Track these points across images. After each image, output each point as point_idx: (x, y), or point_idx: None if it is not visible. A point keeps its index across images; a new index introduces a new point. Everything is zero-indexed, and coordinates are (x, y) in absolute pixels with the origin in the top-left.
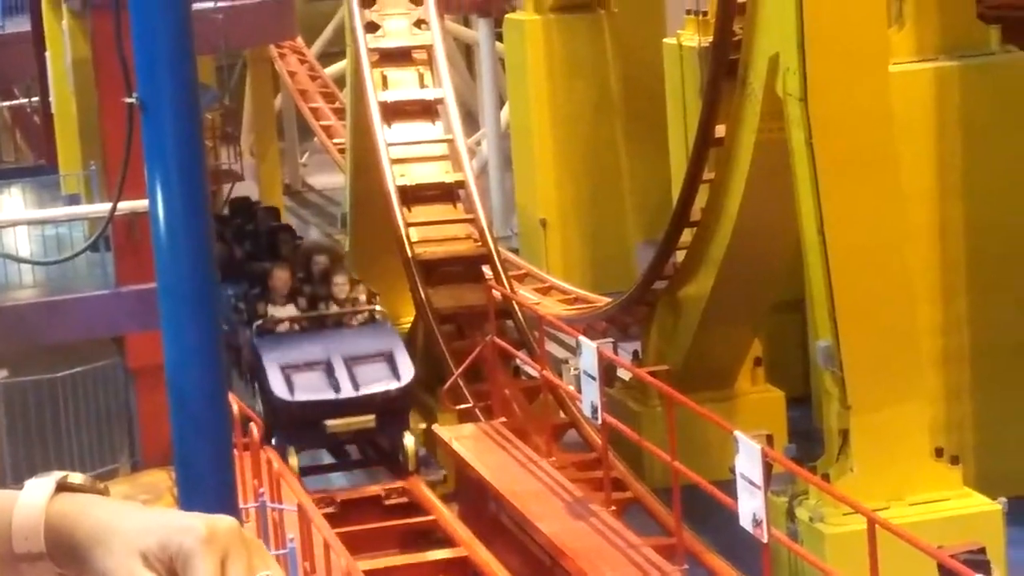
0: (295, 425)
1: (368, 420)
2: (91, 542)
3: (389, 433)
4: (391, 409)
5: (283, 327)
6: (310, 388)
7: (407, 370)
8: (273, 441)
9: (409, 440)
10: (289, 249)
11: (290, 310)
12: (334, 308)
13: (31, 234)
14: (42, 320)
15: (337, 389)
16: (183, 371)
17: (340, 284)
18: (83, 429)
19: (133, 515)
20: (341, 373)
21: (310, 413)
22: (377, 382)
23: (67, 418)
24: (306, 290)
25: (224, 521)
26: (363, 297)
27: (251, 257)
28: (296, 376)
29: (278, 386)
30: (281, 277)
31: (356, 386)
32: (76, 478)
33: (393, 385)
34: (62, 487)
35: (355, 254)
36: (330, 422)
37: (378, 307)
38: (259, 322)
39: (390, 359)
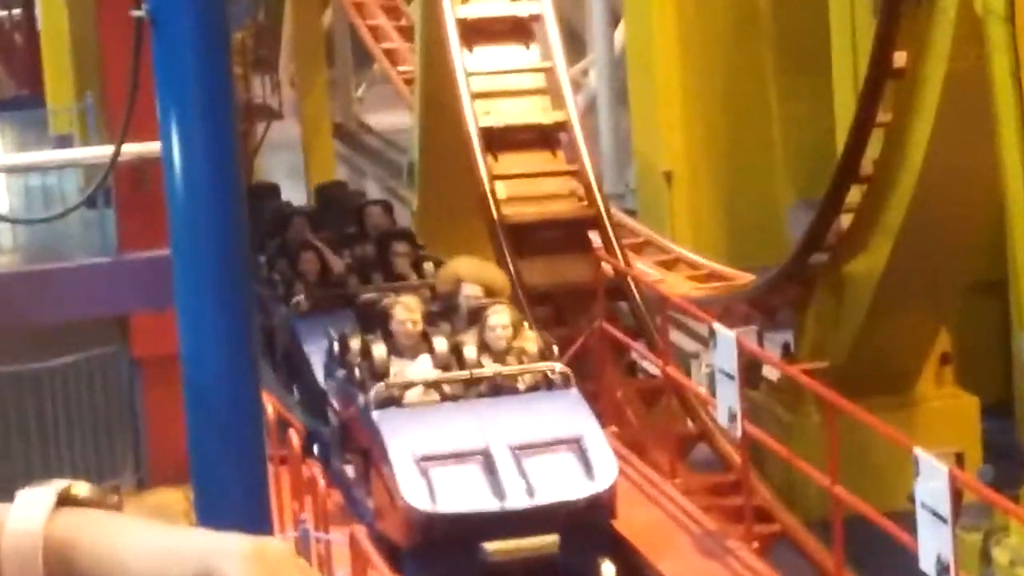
0: (437, 547)
1: (549, 542)
2: (105, 573)
3: (578, 562)
4: (582, 526)
5: (415, 395)
6: (461, 494)
7: (607, 466)
8: (316, 451)
9: (609, 572)
10: (406, 264)
11: (423, 365)
12: (489, 364)
13: (11, 185)
14: (24, 295)
15: (502, 495)
16: (203, 362)
17: (501, 328)
18: (75, 435)
19: (158, 537)
20: (507, 470)
21: (461, 531)
22: (562, 485)
23: (55, 420)
24: (443, 329)
25: (272, 544)
26: (534, 347)
27: (360, 277)
28: (438, 473)
29: (413, 489)
30: (409, 312)
31: (531, 491)
32: (81, 488)
33: (586, 490)
34: (64, 500)
35: (424, 216)
36: (491, 545)
37: (558, 365)
38: (379, 386)
39: (580, 448)
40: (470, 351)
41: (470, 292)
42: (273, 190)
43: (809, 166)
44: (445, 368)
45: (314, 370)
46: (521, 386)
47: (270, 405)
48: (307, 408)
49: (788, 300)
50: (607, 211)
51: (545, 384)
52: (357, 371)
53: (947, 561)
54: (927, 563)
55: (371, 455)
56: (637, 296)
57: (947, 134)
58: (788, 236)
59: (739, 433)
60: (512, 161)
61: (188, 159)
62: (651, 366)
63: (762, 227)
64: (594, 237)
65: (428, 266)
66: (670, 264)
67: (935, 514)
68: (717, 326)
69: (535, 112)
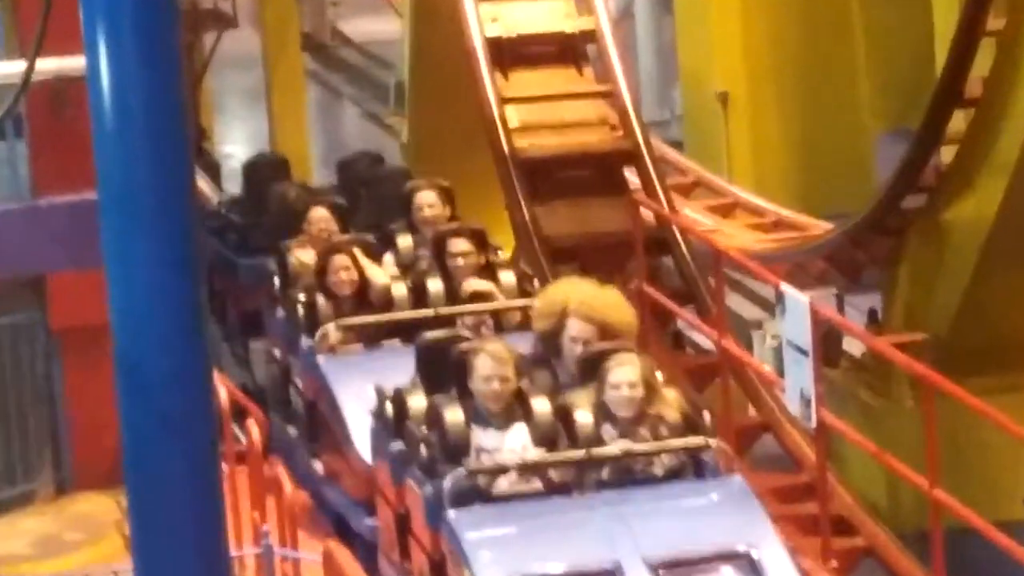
0: None
1: None
2: None
3: None
4: None
5: (508, 484)
6: None
7: None
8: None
9: None
10: (473, 274)
11: (518, 439)
12: (614, 438)
13: None
14: None
15: None
16: (139, 335)
17: (628, 386)
18: None
19: None
20: None
21: None
22: None
23: None
24: (543, 385)
25: None
26: (676, 414)
27: (414, 296)
28: None
29: None
30: (499, 365)
31: None
32: None
33: None
34: None
35: (416, 149)
36: None
37: (714, 440)
38: (457, 472)
39: (751, 567)
40: (584, 418)
41: (579, 332)
42: (280, 168)
43: (902, 87)
44: (550, 445)
45: (351, 436)
46: (660, 470)
47: (224, 389)
48: (342, 493)
49: (875, 255)
50: (647, 143)
51: (694, 468)
52: (423, 448)
53: None
54: None
55: (444, 572)
56: (684, 250)
57: None
58: (876, 175)
59: (813, 423)
60: (527, 80)
61: (119, 78)
62: (703, 338)
63: (843, 163)
64: (631, 176)
65: (506, 277)
66: (726, 210)
67: None
68: (786, 288)
69: (556, 18)
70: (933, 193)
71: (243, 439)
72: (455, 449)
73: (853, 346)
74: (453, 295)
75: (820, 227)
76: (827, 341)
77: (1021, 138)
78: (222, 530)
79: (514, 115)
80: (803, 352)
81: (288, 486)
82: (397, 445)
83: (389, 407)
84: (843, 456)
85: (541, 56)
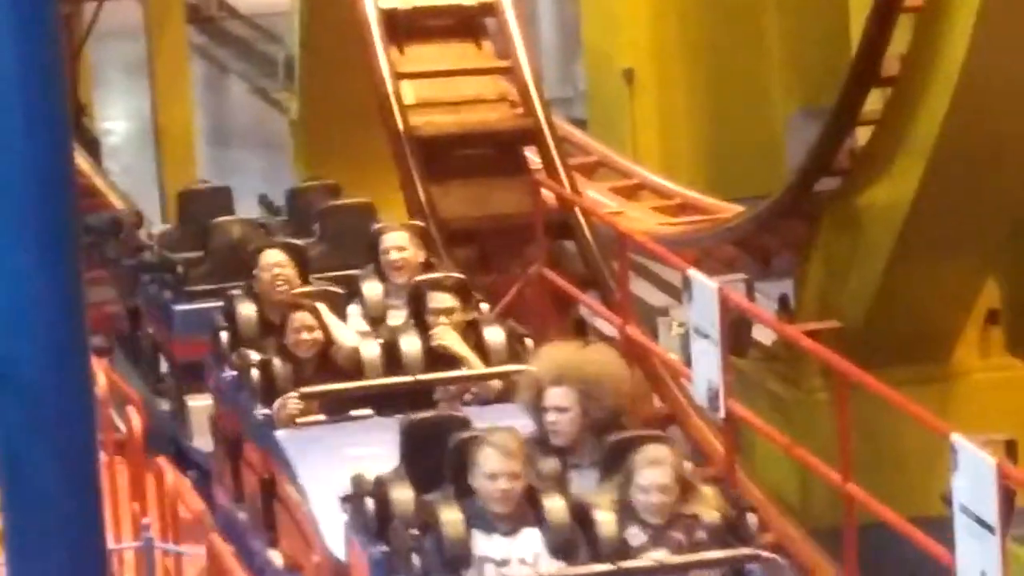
0: None
1: None
2: None
3: None
4: None
5: None
6: None
7: None
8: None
9: None
10: (455, 333)
11: (529, 546)
12: (643, 543)
13: None
14: None
15: None
16: (11, 324)
17: (658, 490)
18: None
19: None
20: None
21: None
22: None
23: None
24: (549, 479)
25: None
26: (714, 513)
27: (387, 358)
28: None
29: None
30: (508, 460)
31: None
32: None
33: None
34: None
35: (306, 126)
36: None
37: (766, 553)
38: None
39: None
40: (607, 522)
41: (555, 400)
42: (221, 199)
43: (815, 64)
44: (568, 553)
45: (319, 527)
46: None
47: (103, 375)
48: None
49: (786, 240)
50: (548, 121)
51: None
52: (415, 557)
53: None
54: None
55: None
56: (588, 234)
57: (999, 19)
58: (787, 156)
59: (721, 414)
60: (423, 54)
61: None
62: (606, 325)
63: (753, 144)
64: (531, 156)
65: (493, 335)
66: (631, 192)
67: (978, 520)
68: (693, 273)
69: None
70: (847, 176)
71: (123, 428)
72: (455, 560)
73: (763, 335)
74: (432, 356)
75: (729, 210)
76: (736, 329)
77: (940, 119)
78: (100, 524)
79: (409, 91)
80: (711, 340)
81: (170, 476)
82: (380, 549)
83: (369, 504)
84: (752, 449)
85: (438, 29)
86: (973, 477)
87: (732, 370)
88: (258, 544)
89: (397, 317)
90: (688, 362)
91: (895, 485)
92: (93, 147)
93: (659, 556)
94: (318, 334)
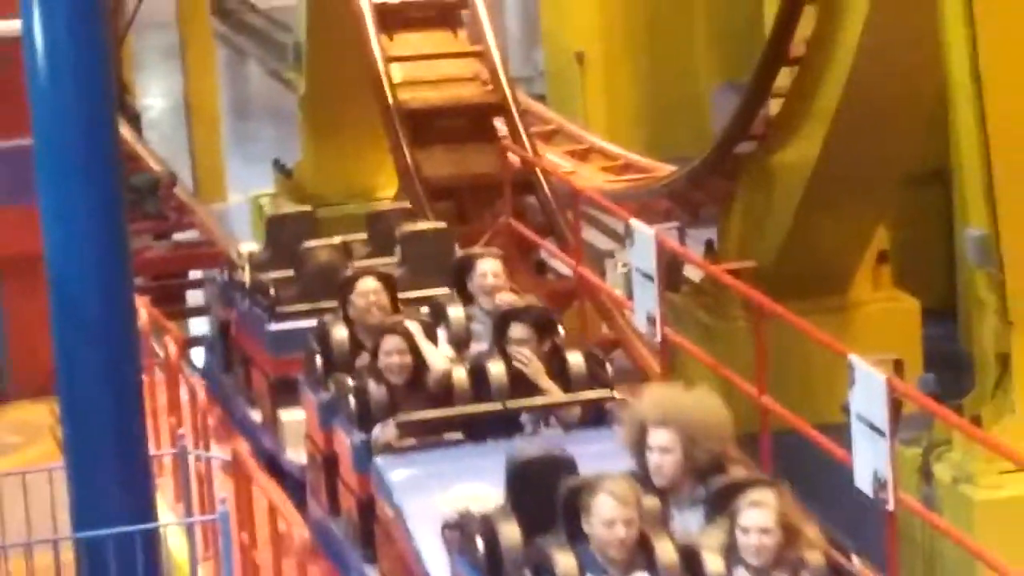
0: None
1: None
2: None
3: None
4: None
5: None
6: None
7: None
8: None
9: None
10: (533, 360)
11: None
12: None
13: None
14: None
15: None
16: (70, 263)
17: (759, 531)
18: None
19: None
20: None
21: None
22: None
23: None
24: (658, 521)
25: None
26: (820, 558)
27: (475, 382)
28: None
29: None
30: (624, 507)
31: None
32: None
33: None
34: None
35: (312, 101)
36: None
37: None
38: None
39: None
40: (715, 566)
41: (659, 442)
42: (307, 224)
43: (735, 46)
44: None
45: (422, 556)
46: None
47: (145, 310)
48: None
49: (712, 194)
50: (513, 96)
51: None
52: None
53: (884, 477)
54: (862, 480)
55: None
56: (546, 189)
57: (886, 9)
58: (712, 123)
59: (658, 339)
60: (409, 41)
61: (50, 37)
62: (562, 266)
63: (683, 113)
64: (499, 125)
65: (575, 361)
66: (583, 154)
67: (871, 427)
68: (634, 222)
69: None
70: (762, 140)
71: (161, 353)
72: None
73: (693, 273)
74: (516, 381)
75: (664, 169)
76: (670, 268)
77: (839, 93)
78: (143, 433)
79: (398, 72)
80: (649, 278)
81: (202, 395)
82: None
83: (479, 542)
84: (684, 368)
85: (421, 20)
86: (867, 390)
87: (667, 303)
88: (355, 559)
89: (481, 342)
90: (630, 296)
91: (803, 398)
92: (135, 120)
93: None
94: (409, 358)
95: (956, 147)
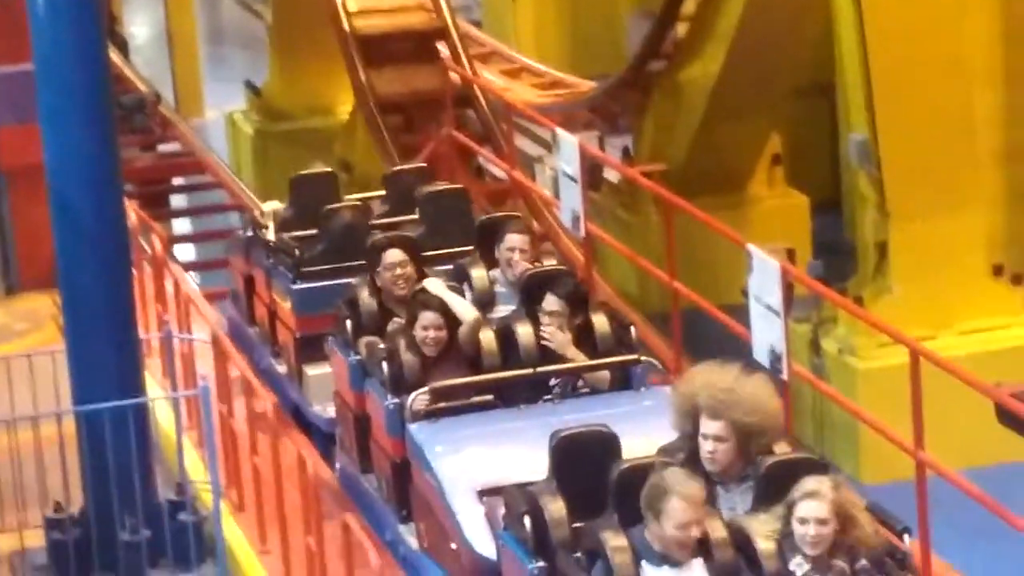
0: None
1: None
2: None
3: None
4: None
5: None
6: None
7: None
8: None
9: None
10: (562, 332)
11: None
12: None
13: None
14: None
15: None
16: (67, 173)
17: (821, 522)
18: None
19: None
20: None
21: None
22: None
23: None
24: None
25: None
26: (872, 540)
27: (504, 352)
28: None
29: None
30: (693, 508)
31: None
32: None
33: None
34: None
35: (279, 30)
36: None
37: None
38: None
39: None
40: (768, 552)
41: (711, 430)
42: (330, 185)
43: None
44: None
45: (459, 522)
46: None
47: (134, 213)
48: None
49: (627, 106)
50: (454, 22)
51: None
52: None
53: (779, 351)
54: (760, 353)
55: None
56: (484, 104)
57: None
58: (627, 45)
59: (582, 233)
60: None
61: None
62: (498, 170)
63: (602, 37)
64: (442, 48)
65: (600, 325)
66: (515, 73)
67: (767, 307)
68: (560, 131)
69: None
70: (671, 60)
71: (148, 249)
72: None
73: (611, 175)
74: (544, 346)
75: (586, 86)
76: (591, 171)
77: (736, 18)
78: (133, 319)
79: (352, 2)
80: (573, 180)
81: (184, 285)
82: (539, 565)
83: (527, 521)
84: (605, 258)
85: None
86: (763, 275)
87: (589, 201)
88: (390, 518)
89: (506, 305)
90: (557, 196)
91: (708, 282)
92: (123, 47)
93: None
94: (444, 333)
95: (840, 63)
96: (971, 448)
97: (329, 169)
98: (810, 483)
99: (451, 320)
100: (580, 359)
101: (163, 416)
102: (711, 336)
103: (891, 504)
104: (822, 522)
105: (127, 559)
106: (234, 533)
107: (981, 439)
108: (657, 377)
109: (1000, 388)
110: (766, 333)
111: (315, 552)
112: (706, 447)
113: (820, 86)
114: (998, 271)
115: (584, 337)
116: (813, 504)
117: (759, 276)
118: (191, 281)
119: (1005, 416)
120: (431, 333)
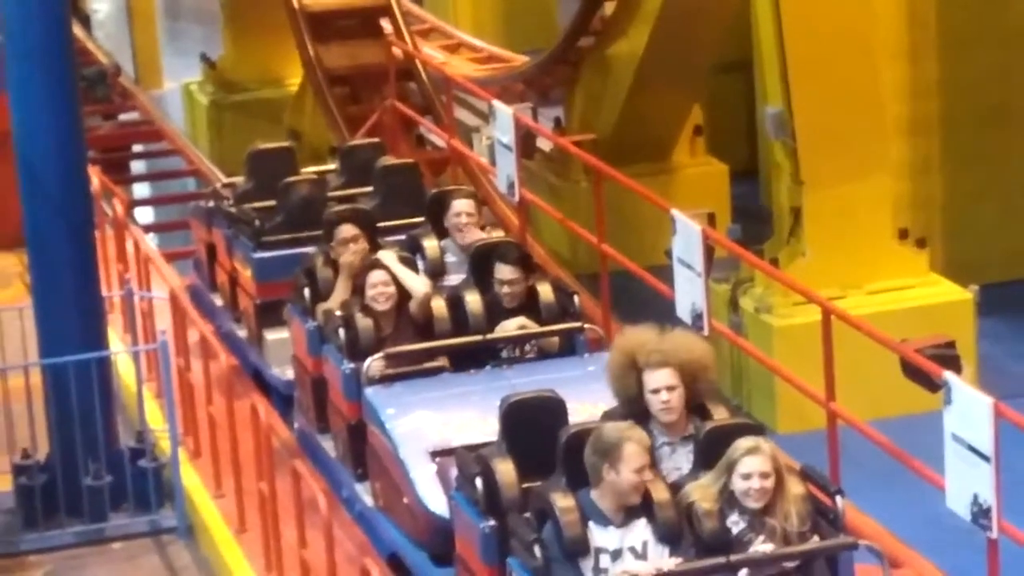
0: None
1: None
2: None
3: None
4: None
5: None
6: None
7: None
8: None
9: None
10: (515, 298)
11: (637, 535)
12: (743, 532)
13: None
14: None
15: None
16: (33, 140)
17: (763, 475)
18: None
19: None
20: None
21: None
22: None
23: None
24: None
25: None
26: (801, 505)
27: (454, 315)
28: None
29: None
30: (641, 456)
31: None
32: None
33: None
34: None
35: (233, 6)
36: None
37: (864, 542)
38: None
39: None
40: (709, 510)
41: (659, 381)
42: (288, 158)
43: None
44: (672, 543)
45: (413, 481)
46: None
47: (96, 178)
48: (398, 529)
49: (559, 80)
50: (397, 0)
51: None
52: (537, 549)
53: (700, 309)
54: (683, 311)
55: None
56: (424, 77)
57: None
58: (558, 22)
59: (517, 198)
60: None
61: None
62: (438, 139)
63: (535, 13)
64: (385, 24)
65: (545, 293)
66: (453, 48)
67: (690, 268)
68: (496, 103)
69: None
70: (599, 36)
71: (110, 212)
72: (574, 551)
73: (544, 144)
74: (492, 311)
75: (520, 60)
76: (525, 140)
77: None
78: (96, 278)
79: None
80: (509, 148)
81: (143, 246)
82: (489, 523)
83: (479, 483)
84: (538, 222)
85: None
86: (686, 238)
87: (523, 168)
88: (346, 476)
89: (456, 274)
90: (494, 163)
91: (634, 245)
92: (85, 21)
93: (759, 543)
94: (392, 288)
95: (757, 40)
96: (878, 400)
97: (288, 144)
98: (749, 440)
99: (403, 292)
100: (532, 326)
101: (124, 369)
102: (637, 295)
103: (804, 451)
104: (764, 475)
105: (90, 503)
106: (191, 478)
107: (888, 392)
108: (595, 343)
109: (905, 344)
110: (688, 292)
111: (267, 495)
112: (660, 399)
113: (738, 62)
114: (904, 235)
115: (530, 305)
116: (756, 459)
117: (682, 239)
118: (150, 242)
119: (909, 370)
120: (379, 289)
